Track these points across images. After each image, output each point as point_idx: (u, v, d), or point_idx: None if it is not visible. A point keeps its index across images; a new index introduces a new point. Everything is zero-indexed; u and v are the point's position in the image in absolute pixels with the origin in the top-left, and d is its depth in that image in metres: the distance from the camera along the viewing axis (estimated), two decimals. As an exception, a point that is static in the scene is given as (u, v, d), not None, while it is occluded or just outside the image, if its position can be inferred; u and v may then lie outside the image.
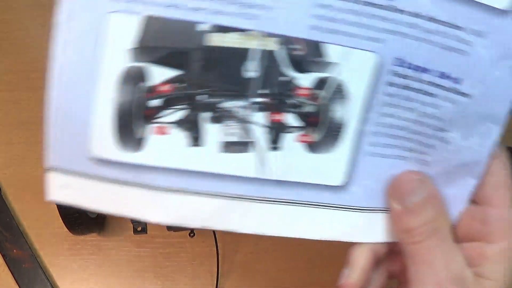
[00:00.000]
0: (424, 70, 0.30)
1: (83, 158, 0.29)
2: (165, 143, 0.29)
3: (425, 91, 0.30)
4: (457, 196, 0.33)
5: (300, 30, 0.28)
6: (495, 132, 0.31)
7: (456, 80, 0.30)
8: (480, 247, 0.32)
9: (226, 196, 0.31)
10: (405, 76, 0.30)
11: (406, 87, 0.30)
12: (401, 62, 0.30)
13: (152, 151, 0.29)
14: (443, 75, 0.30)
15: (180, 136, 0.29)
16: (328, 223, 0.32)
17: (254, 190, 0.31)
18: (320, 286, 0.62)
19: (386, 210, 0.33)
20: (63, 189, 0.30)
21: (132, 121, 0.28)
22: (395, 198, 0.32)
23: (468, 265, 0.33)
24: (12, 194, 0.64)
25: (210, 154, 0.30)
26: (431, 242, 0.32)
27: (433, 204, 0.32)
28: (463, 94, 0.30)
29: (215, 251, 0.61)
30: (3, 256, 0.60)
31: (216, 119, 0.29)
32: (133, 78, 0.28)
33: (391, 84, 0.30)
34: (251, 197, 0.31)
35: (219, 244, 0.61)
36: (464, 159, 0.32)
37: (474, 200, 0.34)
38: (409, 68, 0.30)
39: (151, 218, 0.30)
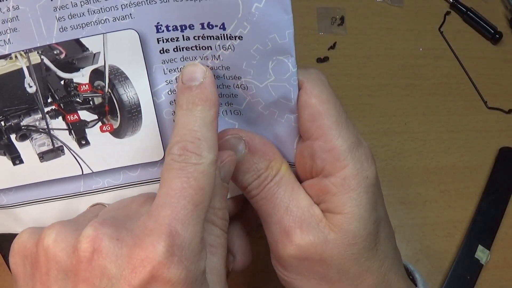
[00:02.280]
0: (184, 27, 0.31)
1: None
2: (-8, 170, 0.34)
3: (197, 46, 0.31)
4: (284, 135, 0.33)
5: (52, 36, 0.31)
6: (288, 64, 0.30)
7: (221, 26, 0.30)
8: (321, 182, 0.31)
9: (65, 196, 0.34)
10: (171, 39, 0.31)
11: (178, 49, 0.31)
12: (160, 28, 0.31)
13: (-15, 180, 0.34)
14: (206, 26, 0.31)
15: (2, 160, 0.33)
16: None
17: (86, 185, 0.34)
18: None
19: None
20: None
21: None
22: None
23: (316, 202, 0.32)
24: None
25: (33, 166, 0.34)
26: (266, 192, 0.32)
27: (258, 155, 0.32)
28: (233, 38, 0.30)
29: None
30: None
31: (24, 136, 0.33)
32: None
33: (164, 51, 0.32)
34: (87, 192, 0.34)
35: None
36: (271, 98, 0.32)
37: (301, 139, 0.33)
38: (170, 30, 0.31)
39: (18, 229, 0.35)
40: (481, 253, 0.52)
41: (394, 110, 0.62)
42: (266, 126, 0.33)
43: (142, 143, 0.33)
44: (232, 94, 0.33)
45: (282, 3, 0.29)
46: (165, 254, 0.25)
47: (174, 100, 0.33)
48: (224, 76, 0.32)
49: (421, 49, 0.67)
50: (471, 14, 0.67)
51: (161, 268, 0.25)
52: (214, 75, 0.32)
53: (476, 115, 0.62)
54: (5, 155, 0.33)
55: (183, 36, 0.31)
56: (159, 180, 0.34)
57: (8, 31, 0.31)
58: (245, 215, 0.37)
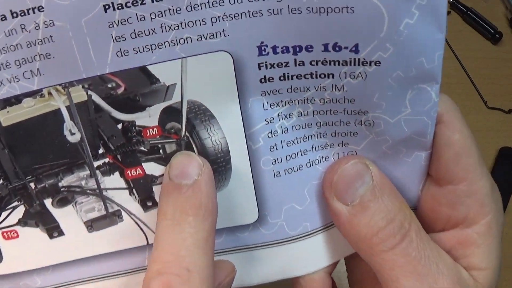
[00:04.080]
0: (299, 48, 0.21)
1: None
2: (20, 246, 0.24)
3: (314, 73, 0.22)
4: (408, 176, 0.25)
5: (105, 63, 0.21)
6: (431, 93, 0.22)
7: (353, 49, 0.21)
8: (461, 233, 0.25)
9: (124, 273, 0.25)
10: (278, 65, 0.22)
11: (286, 77, 0.22)
12: (264, 49, 0.21)
13: (12, 258, 0.24)
14: (331, 48, 0.21)
15: (33, 233, 0.24)
16: (258, 265, 0.26)
17: (146, 259, 0.25)
18: None
19: (325, 227, 0.26)
20: None
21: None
22: (337, 197, 0.24)
23: (453, 259, 0.25)
24: None
25: (79, 238, 0.24)
26: (402, 247, 0.24)
27: (387, 192, 0.24)
28: (367, 63, 0.21)
29: None
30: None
31: (64, 201, 0.23)
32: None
33: (266, 80, 0.22)
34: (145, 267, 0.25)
35: None
36: (402, 134, 0.23)
37: (435, 182, 0.25)
38: (278, 52, 0.22)
39: None
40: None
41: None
42: (386, 167, 0.25)
43: (230, 202, 0.24)
44: (350, 132, 0.24)
45: (437, 17, 0.21)
46: None
47: (276, 146, 0.24)
48: (344, 111, 0.23)
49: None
50: (471, 14, 0.65)
51: None
52: (330, 111, 0.23)
53: (476, 115, 0.60)
54: (37, 226, 0.24)
55: (295, 60, 0.22)
56: (249, 249, 0.25)
57: (37, 57, 0.20)
58: None
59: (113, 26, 0.20)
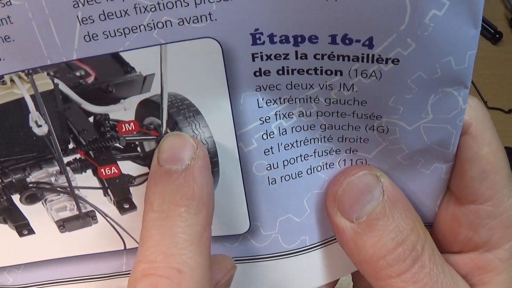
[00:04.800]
0: (301, 38, 0.18)
1: None
2: (-12, 243, 0.22)
3: (318, 69, 0.19)
4: (425, 189, 0.21)
5: (71, 48, 0.18)
6: (458, 99, 0.19)
7: (366, 43, 0.18)
8: (481, 257, 0.22)
9: (100, 277, 0.23)
10: (276, 56, 0.19)
11: (285, 71, 0.19)
12: (259, 38, 0.18)
13: (-20, 254, 0.23)
14: (340, 40, 0.18)
15: (2, 230, 0.22)
16: (248, 280, 0.23)
17: (130, 263, 0.23)
18: None
19: (325, 242, 0.23)
20: None
21: None
22: (341, 212, 0.21)
23: (469, 284, 0.23)
24: None
25: (50, 238, 0.22)
26: (412, 273, 0.21)
27: (399, 208, 0.21)
28: (383, 61, 0.18)
29: None
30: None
31: (33, 198, 0.21)
32: None
33: (262, 73, 0.19)
34: (129, 271, 0.23)
35: None
36: (421, 144, 0.20)
37: (455, 199, 0.22)
38: (276, 42, 0.18)
39: None
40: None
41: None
42: (400, 178, 0.21)
43: (217, 208, 0.21)
44: (360, 138, 0.21)
45: (471, 10, 0.17)
46: None
47: (272, 149, 0.21)
48: (354, 114, 0.20)
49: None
50: (471, 14, 0.64)
51: None
52: (337, 112, 0.20)
53: (476, 115, 0.59)
54: (5, 222, 0.22)
55: (296, 52, 0.18)
56: (238, 261, 0.23)
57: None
58: None
59: (78, 6, 0.17)
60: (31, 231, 0.22)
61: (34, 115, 0.19)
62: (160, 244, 0.18)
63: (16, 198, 0.21)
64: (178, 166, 0.19)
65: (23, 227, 0.22)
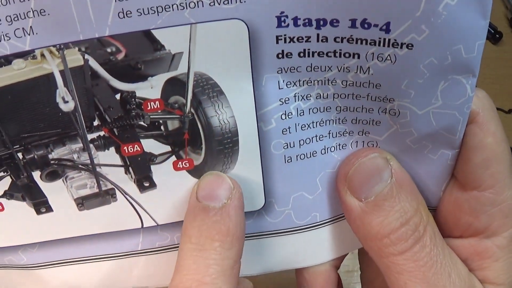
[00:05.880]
0: (323, 22, 0.19)
1: None
2: (5, 220, 0.22)
3: (338, 52, 0.20)
4: (431, 174, 0.23)
5: (105, 24, 0.18)
6: (467, 86, 0.20)
7: (383, 27, 0.19)
8: (480, 244, 0.23)
9: (114, 256, 0.23)
10: (298, 39, 0.20)
11: (306, 54, 0.20)
12: (284, 20, 0.19)
13: (-4, 233, 0.23)
14: (359, 24, 0.19)
15: (19, 207, 0.22)
16: (261, 255, 0.24)
17: (146, 241, 0.23)
18: None
19: (334, 219, 0.24)
20: None
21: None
22: (350, 191, 0.22)
23: (469, 269, 0.24)
24: None
25: (68, 216, 0.22)
26: (413, 252, 0.22)
27: (405, 191, 0.22)
28: (398, 45, 0.19)
29: None
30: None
31: (54, 175, 0.21)
32: None
33: (284, 55, 0.20)
34: (147, 250, 0.24)
35: None
36: (429, 128, 0.21)
37: (459, 185, 0.23)
38: (299, 25, 0.19)
39: None
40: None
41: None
42: (408, 162, 0.23)
43: None
44: (372, 120, 0.22)
45: (481, 1, 0.18)
46: None
47: (289, 128, 0.22)
48: (368, 96, 0.21)
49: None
50: (471, 14, 0.64)
51: None
52: (352, 95, 0.21)
53: (476, 115, 0.59)
54: (24, 200, 0.22)
55: (317, 35, 0.19)
56: (252, 237, 0.23)
57: (30, 13, 0.18)
58: None
59: None
60: (49, 209, 0.22)
61: (61, 91, 0.20)
62: (196, 273, 0.20)
63: (36, 175, 0.21)
64: (215, 204, 0.21)
65: (41, 205, 0.22)
